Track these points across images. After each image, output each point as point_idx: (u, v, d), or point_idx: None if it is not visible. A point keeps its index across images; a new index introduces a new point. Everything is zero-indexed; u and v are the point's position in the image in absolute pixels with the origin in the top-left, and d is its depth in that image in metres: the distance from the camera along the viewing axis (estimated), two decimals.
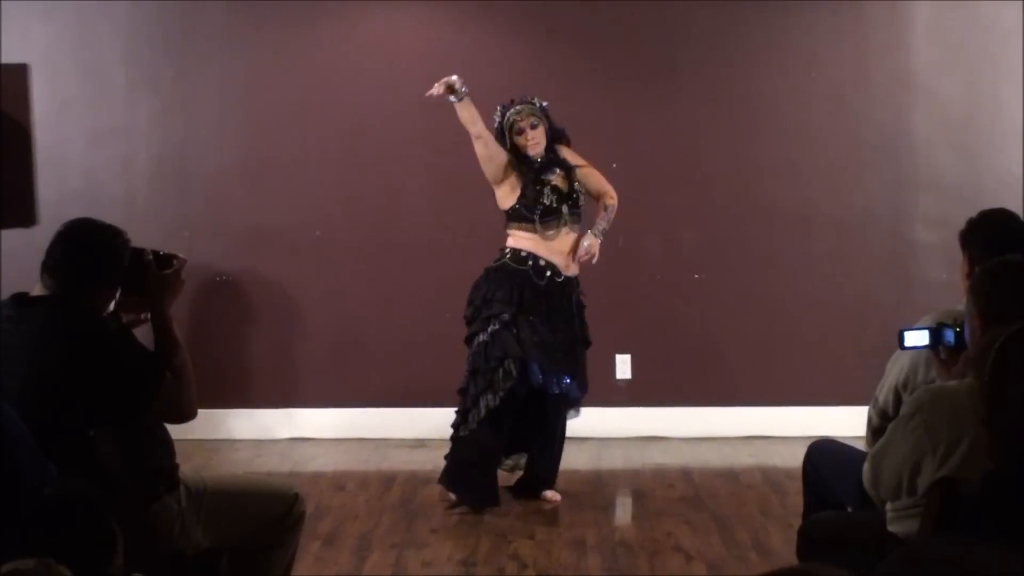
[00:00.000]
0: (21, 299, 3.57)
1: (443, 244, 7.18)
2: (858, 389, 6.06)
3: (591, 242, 5.81)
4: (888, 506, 3.37)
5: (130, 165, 7.25)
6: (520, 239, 5.80)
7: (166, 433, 3.67)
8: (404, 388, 7.22)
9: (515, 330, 5.67)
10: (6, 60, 7.06)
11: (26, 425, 3.09)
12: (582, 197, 5.87)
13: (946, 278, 6.69)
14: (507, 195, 5.82)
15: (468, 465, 5.75)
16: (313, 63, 7.18)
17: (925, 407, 3.16)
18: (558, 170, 5.84)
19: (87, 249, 3.55)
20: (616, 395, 7.23)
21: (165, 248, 3.77)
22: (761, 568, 4.86)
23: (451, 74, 6.69)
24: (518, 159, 5.80)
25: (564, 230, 5.80)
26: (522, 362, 5.65)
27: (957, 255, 4.03)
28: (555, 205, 5.77)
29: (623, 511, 6.12)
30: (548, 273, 5.76)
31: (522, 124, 5.78)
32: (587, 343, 5.94)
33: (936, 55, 7.18)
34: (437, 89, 5.74)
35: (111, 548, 2.69)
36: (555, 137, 5.90)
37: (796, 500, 4.99)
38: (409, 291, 7.22)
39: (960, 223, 4.10)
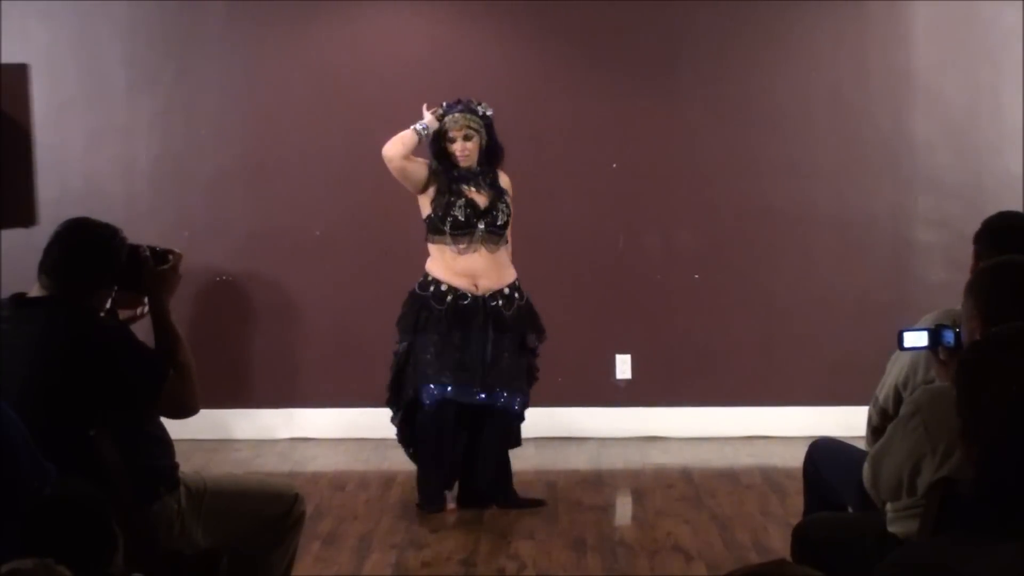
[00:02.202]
0: (20, 300, 3.57)
1: None
2: (858, 389, 6.05)
3: None
4: (888, 506, 3.37)
5: (130, 165, 7.24)
6: (432, 259, 5.70)
7: (166, 433, 3.68)
8: None
9: (411, 357, 5.65)
10: (6, 60, 7.05)
11: (26, 426, 3.09)
12: (504, 217, 5.66)
13: (946, 278, 6.69)
14: (425, 204, 5.70)
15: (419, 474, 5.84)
16: (314, 63, 7.18)
17: (925, 407, 3.16)
18: (482, 185, 5.67)
19: (85, 249, 3.56)
20: (616, 395, 7.23)
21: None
22: None
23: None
24: (443, 166, 5.66)
25: (480, 248, 5.64)
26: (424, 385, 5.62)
27: (957, 255, 4.05)
28: (466, 219, 5.61)
29: (623, 511, 6.12)
30: (449, 298, 5.62)
31: (454, 134, 5.62)
32: (523, 352, 5.74)
33: (936, 55, 7.18)
34: (430, 113, 5.68)
35: (111, 548, 2.69)
36: (494, 154, 5.71)
37: (796, 500, 4.99)
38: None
39: (960, 223, 4.12)
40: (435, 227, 5.66)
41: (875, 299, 7.12)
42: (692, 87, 7.18)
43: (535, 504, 5.85)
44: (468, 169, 5.66)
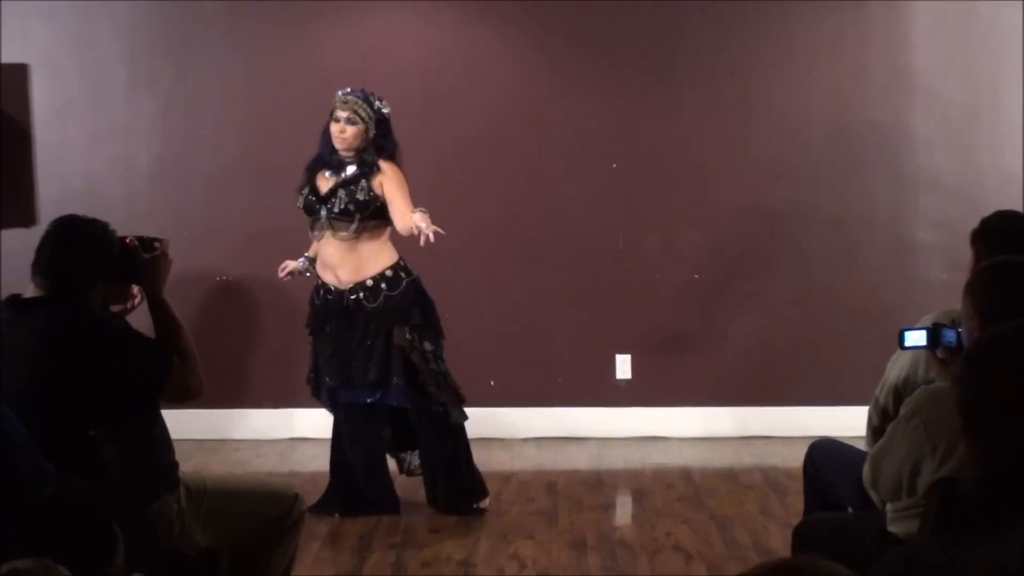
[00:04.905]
0: (15, 301, 3.57)
1: (441, 243, 7.15)
2: (858, 389, 6.06)
3: (418, 217, 5.20)
4: (888, 506, 3.37)
5: (130, 165, 7.24)
6: None
7: (165, 432, 3.68)
8: None
9: (317, 347, 5.64)
10: (6, 60, 7.05)
11: (26, 426, 3.09)
12: (342, 204, 5.39)
13: (946, 278, 6.68)
14: None
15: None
16: (313, 63, 7.17)
17: (924, 407, 3.16)
18: (333, 171, 5.47)
19: (78, 247, 3.55)
20: (616, 395, 7.23)
21: None
22: None
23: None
24: (324, 150, 5.51)
25: (328, 234, 5.43)
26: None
27: (957, 255, 4.04)
28: (307, 205, 5.49)
29: (623, 511, 6.12)
30: (321, 292, 5.56)
31: (339, 113, 5.43)
32: (392, 348, 5.45)
33: (936, 55, 7.18)
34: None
35: (111, 548, 2.69)
36: (382, 149, 5.46)
37: (796, 500, 4.99)
38: None
39: (960, 223, 4.11)
40: None
41: (875, 299, 7.12)
42: (692, 87, 7.18)
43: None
44: (341, 154, 5.47)
